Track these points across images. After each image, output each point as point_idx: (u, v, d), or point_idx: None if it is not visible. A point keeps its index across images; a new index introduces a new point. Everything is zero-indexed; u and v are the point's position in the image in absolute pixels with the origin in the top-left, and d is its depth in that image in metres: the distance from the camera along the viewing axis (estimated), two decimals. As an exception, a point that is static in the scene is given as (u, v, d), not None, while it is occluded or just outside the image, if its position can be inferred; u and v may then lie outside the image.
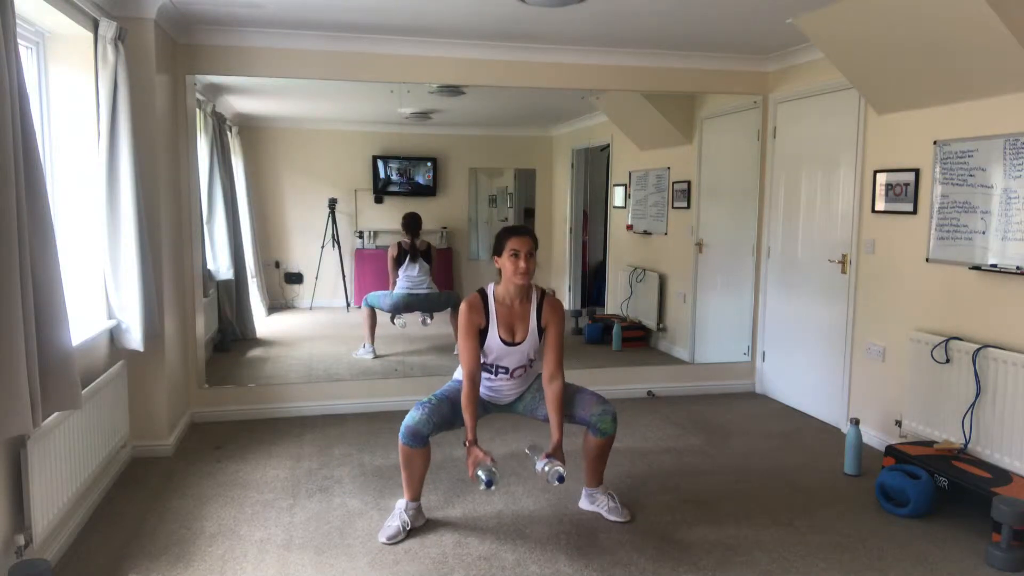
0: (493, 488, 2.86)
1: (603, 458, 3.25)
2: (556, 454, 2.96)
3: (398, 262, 5.92)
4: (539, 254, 3.10)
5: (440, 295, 6.04)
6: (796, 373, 4.99)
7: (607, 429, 3.12)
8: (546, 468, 2.91)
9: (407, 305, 5.90)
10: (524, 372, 3.19)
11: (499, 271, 3.08)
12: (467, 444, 2.97)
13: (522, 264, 2.98)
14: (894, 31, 3.56)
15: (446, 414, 3.05)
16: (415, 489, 3.13)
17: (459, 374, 3.19)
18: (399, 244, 5.95)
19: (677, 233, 5.89)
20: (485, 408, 3.24)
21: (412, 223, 6.02)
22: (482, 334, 3.06)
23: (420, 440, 3.00)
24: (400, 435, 3.02)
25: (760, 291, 5.28)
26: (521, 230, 3.07)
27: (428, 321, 6.07)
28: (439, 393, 3.12)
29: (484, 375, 3.15)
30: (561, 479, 2.88)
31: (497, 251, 3.06)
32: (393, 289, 5.92)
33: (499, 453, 4.00)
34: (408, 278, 5.91)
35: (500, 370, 3.14)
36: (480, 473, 2.85)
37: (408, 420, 3.01)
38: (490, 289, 3.11)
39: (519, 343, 3.09)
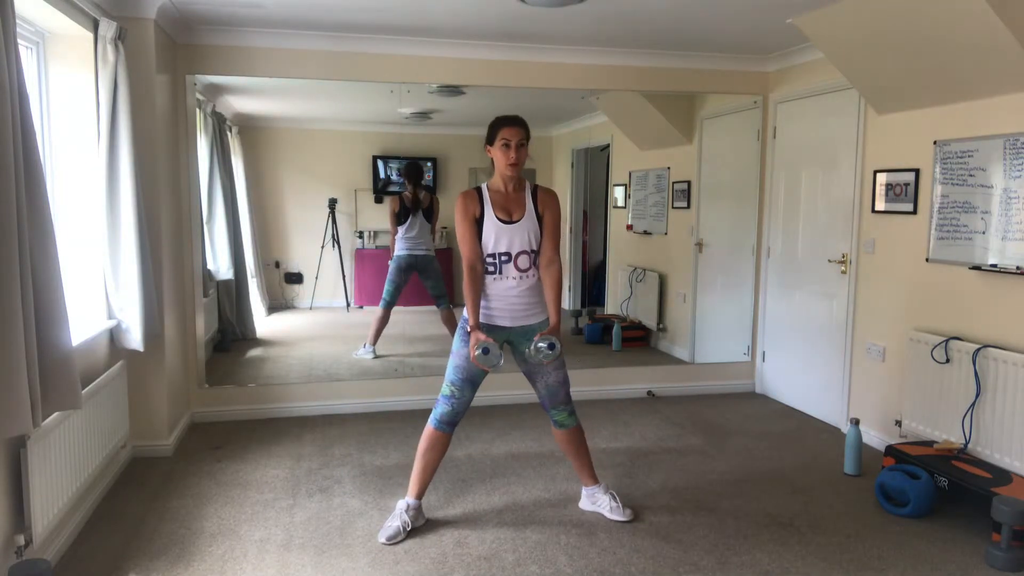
0: (492, 361, 2.89)
1: (582, 450, 3.27)
2: (552, 335, 3.01)
3: (399, 218, 5.76)
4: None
5: (437, 261, 5.91)
6: (796, 373, 4.99)
7: (563, 422, 3.20)
8: (536, 346, 2.98)
9: (409, 267, 5.77)
10: (529, 266, 3.06)
11: (492, 162, 3.11)
12: (469, 330, 2.98)
13: (512, 154, 3.01)
14: (894, 31, 3.56)
15: (468, 396, 3.10)
16: (422, 484, 3.13)
17: (458, 337, 3.11)
18: (400, 197, 5.79)
19: (677, 233, 5.89)
20: (489, 331, 3.09)
21: (413, 171, 5.88)
22: (479, 225, 3.03)
23: (450, 426, 3.09)
24: (431, 421, 3.09)
25: (760, 291, 5.28)
26: (513, 120, 3.06)
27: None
28: (455, 379, 3.05)
29: (488, 278, 3.05)
30: (552, 347, 2.95)
31: (489, 140, 3.07)
32: (394, 252, 5.80)
33: (499, 452, 4.01)
34: (408, 239, 5.76)
35: (502, 259, 3.03)
36: (480, 349, 2.89)
37: (441, 411, 3.08)
38: (483, 185, 3.14)
39: (517, 220, 3.05)
